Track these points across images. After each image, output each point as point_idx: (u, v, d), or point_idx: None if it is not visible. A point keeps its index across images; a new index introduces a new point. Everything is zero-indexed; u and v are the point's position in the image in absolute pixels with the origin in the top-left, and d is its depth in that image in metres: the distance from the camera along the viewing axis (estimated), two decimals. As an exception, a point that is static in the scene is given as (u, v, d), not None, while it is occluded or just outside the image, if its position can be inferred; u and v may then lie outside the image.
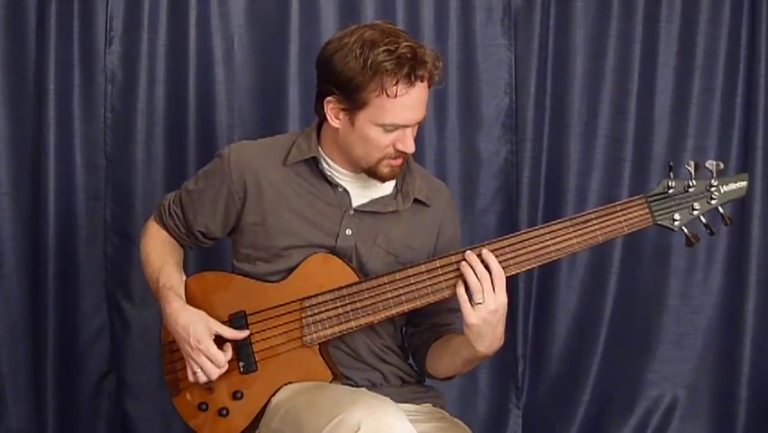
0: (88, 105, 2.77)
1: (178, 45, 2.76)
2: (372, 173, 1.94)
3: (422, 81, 1.85)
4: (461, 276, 1.83)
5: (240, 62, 2.81)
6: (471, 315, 1.82)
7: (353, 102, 1.86)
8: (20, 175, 2.75)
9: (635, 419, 2.98)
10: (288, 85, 2.78)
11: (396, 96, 1.83)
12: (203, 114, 2.79)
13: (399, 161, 1.92)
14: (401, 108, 1.85)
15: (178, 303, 1.97)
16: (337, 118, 1.91)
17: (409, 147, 1.90)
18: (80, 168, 2.78)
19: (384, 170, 1.92)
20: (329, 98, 1.90)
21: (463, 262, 1.84)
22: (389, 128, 1.87)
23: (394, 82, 1.82)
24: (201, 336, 1.91)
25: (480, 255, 1.84)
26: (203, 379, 1.94)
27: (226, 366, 1.93)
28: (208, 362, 1.92)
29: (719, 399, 2.98)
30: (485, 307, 1.81)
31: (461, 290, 1.83)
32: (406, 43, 1.83)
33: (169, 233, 2.10)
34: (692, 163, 1.83)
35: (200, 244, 2.12)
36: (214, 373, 1.92)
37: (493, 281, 1.82)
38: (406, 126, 1.88)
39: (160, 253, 2.07)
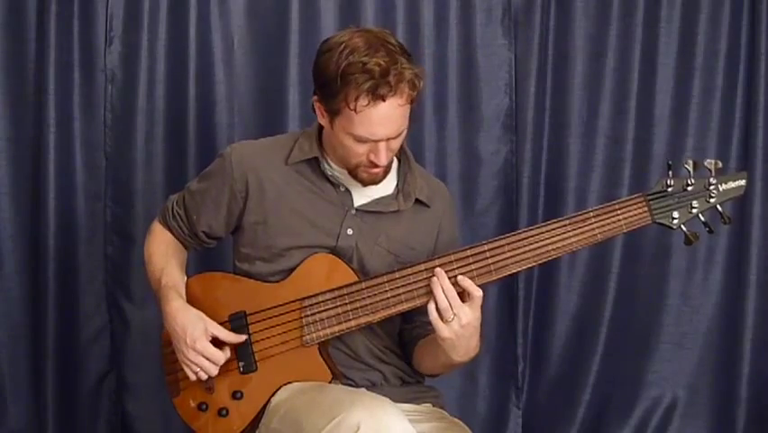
0: (88, 105, 2.77)
1: (178, 45, 2.76)
2: (353, 176, 1.94)
3: (383, 101, 1.81)
4: (432, 294, 1.84)
5: (240, 62, 2.81)
6: (444, 330, 1.83)
7: (330, 106, 1.87)
8: (20, 175, 2.76)
9: (635, 419, 2.98)
10: (288, 85, 2.78)
11: (356, 110, 1.81)
12: (203, 114, 2.79)
13: (377, 170, 1.91)
14: (367, 123, 1.83)
15: (177, 302, 1.97)
16: (323, 117, 1.91)
17: (381, 160, 1.88)
18: (80, 168, 2.78)
19: (363, 175, 1.92)
20: (315, 97, 1.90)
21: (434, 279, 1.84)
22: (360, 139, 1.86)
23: (355, 96, 1.80)
24: (197, 336, 1.91)
25: (455, 280, 1.84)
26: (203, 377, 1.94)
27: (222, 361, 1.93)
28: (205, 360, 1.92)
29: (719, 399, 2.98)
30: (457, 321, 1.82)
31: (431, 306, 1.83)
32: (379, 59, 1.79)
33: (173, 234, 2.10)
34: (691, 162, 1.82)
35: (204, 244, 2.12)
36: (212, 370, 1.92)
37: (466, 299, 1.83)
38: (376, 141, 1.86)
39: (163, 253, 2.08)
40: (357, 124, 1.83)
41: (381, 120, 1.83)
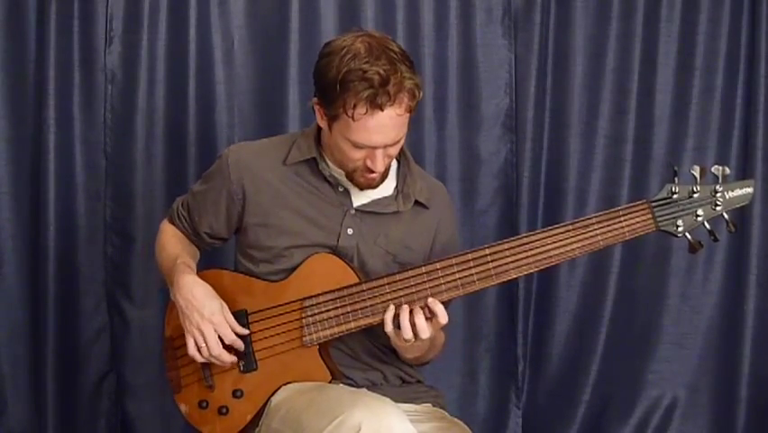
0: (88, 105, 2.77)
1: (178, 45, 2.76)
2: (350, 180, 1.94)
3: (381, 110, 1.80)
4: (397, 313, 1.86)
5: (240, 62, 2.81)
6: (398, 339, 1.87)
7: (328, 111, 1.86)
8: (20, 175, 2.76)
9: (635, 419, 2.98)
10: (288, 85, 2.78)
11: (354, 118, 1.81)
12: (203, 114, 2.79)
13: (374, 175, 1.91)
14: (364, 130, 1.82)
15: (194, 276, 1.97)
16: (322, 120, 1.91)
17: (377, 167, 1.87)
18: (80, 168, 2.78)
19: (359, 179, 1.92)
20: (315, 99, 1.90)
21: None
22: (357, 145, 1.85)
23: (353, 104, 1.79)
24: (215, 310, 1.92)
25: (424, 303, 1.86)
26: (202, 354, 1.92)
27: (230, 340, 1.93)
28: (214, 335, 1.91)
29: (719, 399, 2.98)
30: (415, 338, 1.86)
31: (388, 318, 1.86)
32: (380, 67, 1.78)
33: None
34: (698, 168, 1.81)
35: (209, 245, 2.13)
36: (216, 348, 1.91)
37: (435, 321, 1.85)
38: (373, 147, 1.86)
39: (176, 243, 2.09)
40: (354, 130, 1.82)
41: (379, 128, 1.82)
